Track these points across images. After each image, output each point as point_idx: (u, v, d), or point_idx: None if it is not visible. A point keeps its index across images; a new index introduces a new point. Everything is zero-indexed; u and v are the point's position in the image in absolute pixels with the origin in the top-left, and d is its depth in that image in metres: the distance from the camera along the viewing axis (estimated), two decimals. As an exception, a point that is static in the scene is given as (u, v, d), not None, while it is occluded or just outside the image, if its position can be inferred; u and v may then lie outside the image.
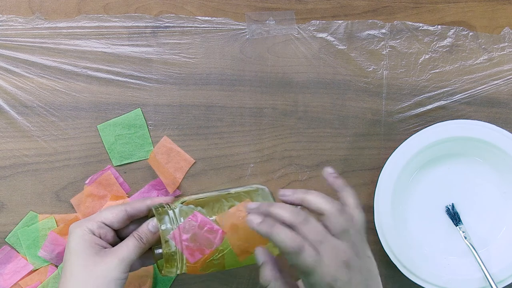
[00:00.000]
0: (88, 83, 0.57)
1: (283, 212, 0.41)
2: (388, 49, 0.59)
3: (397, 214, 0.57)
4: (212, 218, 0.45)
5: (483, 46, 0.59)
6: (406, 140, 0.56)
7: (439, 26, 0.59)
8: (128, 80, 0.58)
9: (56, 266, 0.56)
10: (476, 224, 0.58)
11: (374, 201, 0.56)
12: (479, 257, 0.56)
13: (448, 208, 0.58)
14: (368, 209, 0.58)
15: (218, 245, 0.44)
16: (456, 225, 0.58)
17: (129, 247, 0.44)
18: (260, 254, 0.42)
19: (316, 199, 0.42)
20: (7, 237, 0.56)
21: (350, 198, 0.44)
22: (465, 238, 0.57)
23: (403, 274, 0.55)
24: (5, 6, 0.57)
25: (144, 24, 0.58)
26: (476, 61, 0.59)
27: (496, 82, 0.59)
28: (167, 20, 0.58)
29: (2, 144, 0.57)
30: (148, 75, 0.58)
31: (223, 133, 0.58)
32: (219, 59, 0.58)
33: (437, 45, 0.59)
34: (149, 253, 0.48)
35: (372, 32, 0.59)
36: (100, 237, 0.45)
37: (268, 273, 0.41)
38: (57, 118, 0.57)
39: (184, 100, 0.58)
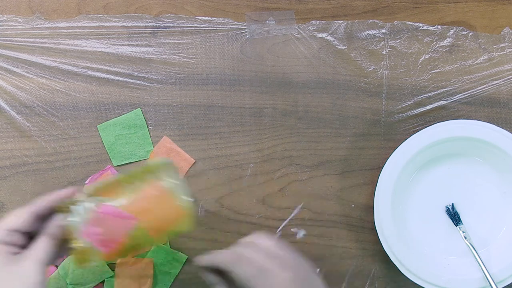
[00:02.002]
0: (88, 83, 0.57)
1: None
2: (388, 49, 0.59)
3: (397, 214, 0.57)
4: (119, 205, 0.43)
5: (483, 46, 0.59)
6: (406, 140, 0.56)
7: (439, 26, 0.59)
8: (128, 80, 0.58)
9: (56, 266, 0.56)
10: (476, 224, 0.58)
11: (374, 201, 0.56)
12: (479, 257, 0.56)
13: (448, 208, 0.58)
14: (368, 209, 0.58)
15: (131, 231, 0.43)
16: (456, 225, 0.58)
17: (41, 248, 0.42)
18: (211, 278, 0.45)
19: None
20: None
21: None
22: (465, 238, 0.57)
23: (403, 274, 0.55)
24: (5, 6, 0.57)
25: (144, 24, 0.58)
26: (476, 61, 0.59)
27: (496, 82, 0.59)
28: (167, 20, 0.58)
29: (2, 144, 0.57)
30: (148, 75, 0.58)
31: (223, 133, 0.58)
32: (219, 59, 0.58)
33: (437, 45, 0.59)
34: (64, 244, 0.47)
35: (372, 32, 0.59)
36: (12, 244, 0.43)
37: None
38: (57, 118, 0.57)
39: (184, 100, 0.58)
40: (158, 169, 0.45)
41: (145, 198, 0.44)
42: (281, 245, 0.45)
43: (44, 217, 0.45)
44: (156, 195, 0.44)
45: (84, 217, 0.43)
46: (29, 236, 0.44)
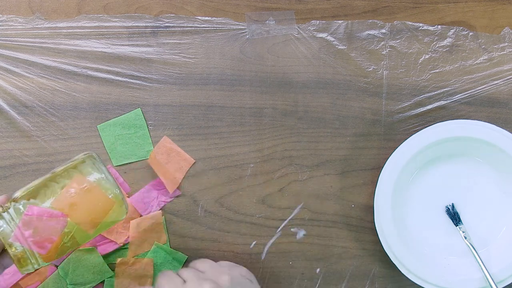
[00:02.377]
0: (88, 83, 0.57)
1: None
2: (388, 49, 0.59)
3: (397, 214, 0.57)
4: (48, 205, 0.44)
5: (483, 46, 0.59)
6: (406, 140, 0.56)
7: (439, 26, 0.59)
8: (128, 80, 0.58)
9: (56, 266, 0.56)
10: (476, 224, 0.58)
11: (374, 201, 0.56)
12: (479, 257, 0.56)
13: (448, 208, 0.58)
14: (368, 209, 0.58)
15: (63, 229, 0.44)
16: (456, 225, 0.58)
17: None
18: None
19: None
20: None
21: None
22: (465, 238, 0.57)
23: (403, 274, 0.55)
24: (5, 6, 0.57)
25: (144, 24, 0.58)
26: (476, 61, 0.59)
27: (496, 82, 0.59)
28: (167, 20, 0.58)
29: (2, 144, 0.57)
30: (148, 75, 0.58)
31: (223, 133, 0.58)
32: (219, 59, 0.58)
33: (437, 45, 0.59)
34: (6, 253, 0.47)
35: (372, 32, 0.59)
36: None
37: None
38: (57, 118, 0.57)
39: (184, 100, 0.58)
40: (82, 163, 0.46)
41: (71, 194, 0.44)
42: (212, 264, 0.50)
43: None
44: (81, 189, 0.44)
45: (13, 222, 0.43)
46: None
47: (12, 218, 0.43)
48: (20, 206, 0.43)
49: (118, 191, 0.46)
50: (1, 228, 0.42)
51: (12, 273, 0.55)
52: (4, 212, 0.43)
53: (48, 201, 0.44)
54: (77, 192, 0.44)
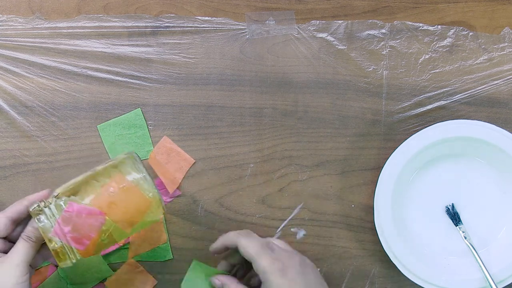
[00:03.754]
0: (88, 83, 0.57)
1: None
2: (388, 49, 0.59)
3: (397, 214, 0.57)
4: (88, 203, 0.45)
5: (483, 46, 0.59)
6: (406, 140, 0.56)
7: (439, 26, 0.59)
8: (128, 80, 0.58)
9: (56, 266, 0.56)
10: (476, 224, 0.58)
11: (374, 201, 0.56)
12: (479, 257, 0.56)
13: (448, 208, 0.58)
14: (368, 209, 0.58)
15: (102, 227, 0.44)
16: (456, 225, 0.58)
17: (20, 250, 0.44)
18: (218, 283, 0.49)
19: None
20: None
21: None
22: (465, 238, 0.57)
23: (403, 274, 0.55)
24: (5, 6, 0.57)
25: (144, 24, 0.58)
26: (476, 61, 0.59)
27: (496, 82, 0.59)
28: (167, 20, 0.58)
29: (2, 144, 0.57)
30: (148, 75, 0.58)
31: (223, 133, 0.58)
32: (219, 59, 0.58)
33: (437, 45, 0.59)
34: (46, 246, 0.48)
35: (372, 32, 0.59)
36: None
37: None
38: (57, 118, 0.57)
39: (184, 100, 0.58)
40: (122, 163, 0.47)
41: (110, 192, 0.45)
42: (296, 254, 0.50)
43: (21, 222, 0.47)
44: (121, 188, 0.45)
45: (54, 217, 0.44)
46: (10, 241, 0.47)
47: (53, 214, 0.44)
48: (61, 203, 0.44)
49: (157, 191, 0.46)
50: (42, 223, 0.44)
51: None
52: (46, 207, 0.44)
53: (88, 199, 0.45)
54: (116, 191, 0.45)
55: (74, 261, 0.45)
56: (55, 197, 0.45)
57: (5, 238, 0.46)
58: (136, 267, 0.56)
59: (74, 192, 0.45)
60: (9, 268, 0.44)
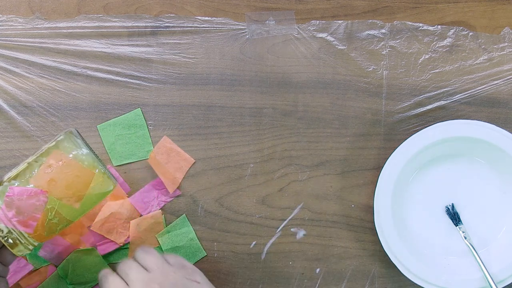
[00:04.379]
0: (88, 83, 0.57)
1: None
2: (388, 49, 0.59)
3: (397, 214, 0.57)
4: (29, 185, 0.44)
5: (483, 46, 0.59)
6: (406, 140, 0.56)
7: (439, 26, 0.59)
8: (128, 80, 0.58)
9: (56, 266, 0.56)
10: (476, 224, 0.58)
11: (374, 201, 0.56)
12: (479, 257, 0.56)
13: (448, 208, 0.58)
14: (368, 209, 0.58)
15: (45, 205, 0.44)
16: (456, 225, 0.58)
17: None
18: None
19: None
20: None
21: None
22: (465, 238, 0.57)
23: (403, 274, 0.55)
24: (5, 6, 0.57)
25: (144, 24, 0.58)
26: (476, 61, 0.59)
27: (496, 82, 0.59)
28: (167, 20, 0.58)
29: (2, 144, 0.57)
30: (148, 75, 0.58)
31: (223, 133, 0.58)
32: (219, 59, 0.58)
33: (437, 45, 0.59)
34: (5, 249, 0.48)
35: (372, 32, 0.59)
36: None
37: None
38: (57, 118, 0.57)
39: (184, 100, 0.58)
40: (60, 141, 0.47)
41: (49, 170, 0.45)
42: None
43: None
44: (58, 164, 0.45)
45: None
46: None
47: None
48: (2, 189, 0.44)
49: (98, 162, 0.46)
50: None
51: (12, 273, 0.55)
52: None
53: (29, 180, 0.45)
54: (54, 168, 0.45)
55: (30, 247, 0.45)
56: None
57: None
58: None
59: (15, 177, 0.45)
60: None
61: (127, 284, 0.47)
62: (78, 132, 0.48)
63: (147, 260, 0.49)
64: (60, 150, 0.46)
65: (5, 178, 0.45)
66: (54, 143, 0.47)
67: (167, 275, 0.48)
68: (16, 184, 0.44)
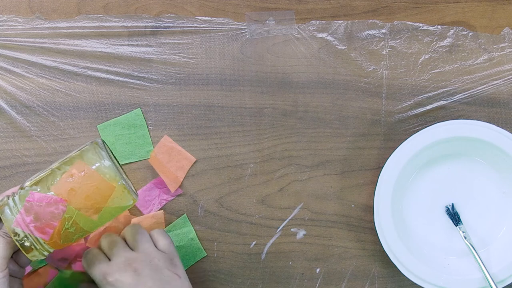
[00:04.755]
0: (88, 83, 0.57)
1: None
2: (388, 49, 0.59)
3: (397, 214, 0.57)
4: (50, 193, 0.44)
5: (483, 46, 0.59)
6: (406, 140, 0.56)
7: (439, 26, 0.59)
8: (128, 80, 0.58)
9: (58, 270, 0.56)
10: (476, 224, 0.58)
11: (374, 201, 0.56)
12: (479, 257, 0.56)
13: (448, 208, 0.58)
14: (368, 209, 0.58)
15: (63, 213, 0.44)
16: (456, 225, 0.58)
17: None
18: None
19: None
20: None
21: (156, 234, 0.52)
22: (465, 238, 0.57)
23: (403, 274, 0.55)
24: (5, 6, 0.57)
25: (144, 24, 0.58)
26: (476, 61, 0.59)
27: (496, 82, 0.59)
28: (167, 20, 0.58)
29: (2, 144, 0.57)
30: (148, 75, 0.58)
31: (223, 133, 0.58)
32: (219, 59, 0.58)
33: (437, 45, 0.59)
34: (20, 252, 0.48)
35: (372, 32, 0.59)
36: None
37: None
38: (57, 118, 0.57)
39: (184, 100, 0.58)
40: (85, 151, 0.46)
41: (70, 179, 0.45)
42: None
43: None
44: (80, 174, 0.45)
45: (17, 208, 0.44)
46: None
47: (16, 205, 0.44)
48: (24, 193, 0.44)
49: (120, 176, 0.46)
50: (6, 215, 0.44)
51: None
52: (10, 199, 0.44)
53: (50, 188, 0.45)
54: (76, 178, 0.45)
55: (45, 253, 0.45)
56: (20, 188, 0.45)
57: None
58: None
59: (37, 183, 0.45)
60: None
61: (108, 258, 0.48)
62: (104, 143, 0.48)
63: (137, 240, 0.50)
64: (83, 160, 0.46)
65: (28, 183, 0.46)
66: (78, 152, 0.47)
67: (151, 259, 0.49)
68: (38, 190, 0.44)
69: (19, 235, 0.44)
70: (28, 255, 0.44)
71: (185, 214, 0.57)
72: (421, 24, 0.59)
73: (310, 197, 0.58)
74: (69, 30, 0.57)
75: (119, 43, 0.58)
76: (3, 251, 0.44)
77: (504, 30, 0.60)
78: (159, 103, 0.58)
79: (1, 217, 0.44)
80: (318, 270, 0.58)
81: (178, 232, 0.57)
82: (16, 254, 0.47)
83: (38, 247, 0.44)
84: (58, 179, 0.45)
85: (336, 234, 0.58)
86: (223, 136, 0.58)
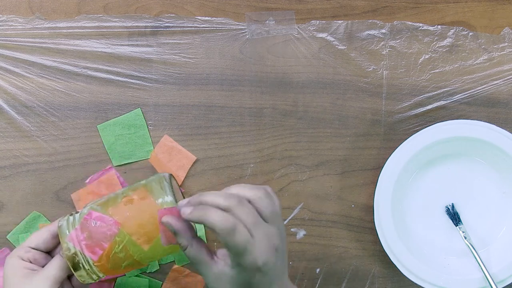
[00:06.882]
0: (88, 83, 0.57)
1: (215, 197, 0.41)
2: (388, 49, 0.59)
3: (397, 214, 0.57)
4: (108, 214, 0.45)
5: (483, 46, 0.59)
6: (406, 140, 0.56)
7: (439, 26, 0.59)
8: (128, 80, 0.58)
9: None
10: (476, 224, 0.58)
11: (374, 201, 0.56)
12: (479, 257, 0.56)
13: (448, 208, 0.58)
14: (368, 209, 0.58)
15: (114, 236, 0.44)
16: (456, 225, 0.58)
17: (53, 265, 0.45)
18: (170, 222, 0.42)
19: (239, 189, 0.42)
20: (9, 234, 0.56)
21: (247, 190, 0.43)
22: (465, 238, 0.57)
23: (403, 274, 0.55)
24: (5, 6, 0.57)
25: (144, 24, 0.58)
26: (476, 61, 0.59)
27: (496, 82, 0.59)
28: (167, 20, 0.58)
29: (2, 144, 0.57)
30: (148, 75, 0.58)
31: (223, 133, 0.58)
32: (219, 59, 0.58)
33: (437, 45, 0.59)
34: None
35: (372, 32, 0.59)
36: (30, 261, 0.46)
37: (182, 240, 0.43)
38: (57, 118, 0.57)
39: (184, 100, 0.58)
40: (151, 180, 0.47)
41: (129, 204, 0.45)
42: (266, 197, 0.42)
43: None
44: (140, 202, 0.45)
45: (74, 224, 0.45)
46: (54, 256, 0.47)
47: (74, 221, 0.45)
48: (85, 210, 0.45)
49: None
50: (62, 229, 0.45)
51: None
52: (71, 216, 0.46)
53: (109, 209, 0.45)
54: (135, 204, 0.45)
55: (94, 276, 0.45)
56: (84, 207, 0.46)
57: (49, 253, 0.47)
58: (182, 271, 0.57)
59: (101, 204, 0.46)
60: (39, 280, 0.44)
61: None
62: (171, 178, 0.47)
63: (273, 212, 0.42)
64: (146, 189, 0.46)
65: (94, 202, 0.46)
66: (144, 181, 0.47)
67: (281, 232, 0.42)
68: (98, 210, 0.45)
69: (70, 250, 0.44)
70: (76, 273, 0.44)
71: None
72: (421, 24, 0.59)
73: (310, 197, 0.58)
74: (69, 30, 0.57)
75: (119, 43, 0.58)
76: (58, 270, 0.45)
77: (504, 30, 0.60)
78: (159, 103, 0.58)
79: (58, 231, 0.45)
80: (318, 270, 0.58)
81: None
82: (73, 279, 0.47)
83: (86, 267, 0.44)
84: (118, 202, 0.45)
85: (336, 234, 0.58)
86: (223, 136, 0.58)
